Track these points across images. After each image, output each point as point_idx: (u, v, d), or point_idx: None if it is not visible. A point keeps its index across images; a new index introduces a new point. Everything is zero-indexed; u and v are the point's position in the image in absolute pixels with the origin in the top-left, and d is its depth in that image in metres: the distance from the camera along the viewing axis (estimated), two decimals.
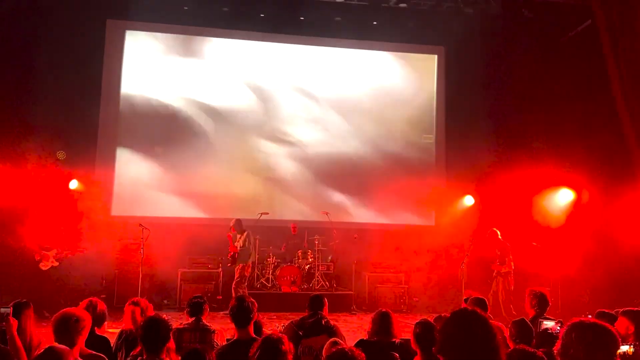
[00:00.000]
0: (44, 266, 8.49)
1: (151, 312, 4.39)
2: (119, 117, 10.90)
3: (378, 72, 11.89)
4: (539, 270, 9.68)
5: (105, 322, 4.16)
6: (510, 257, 8.80)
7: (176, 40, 11.28)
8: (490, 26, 10.77)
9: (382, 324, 4.00)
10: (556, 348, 2.44)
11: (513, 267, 8.81)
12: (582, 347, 2.30)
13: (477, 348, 2.10)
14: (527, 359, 2.53)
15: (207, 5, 10.71)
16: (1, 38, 9.33)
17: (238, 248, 9.17)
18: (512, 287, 8.69)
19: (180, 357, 3.46)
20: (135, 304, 4.37)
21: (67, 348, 2.78)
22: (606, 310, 4.46)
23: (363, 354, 2.81)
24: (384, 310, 4.17)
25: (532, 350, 2.62)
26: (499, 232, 8.97)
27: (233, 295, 9.03)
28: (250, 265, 9.40)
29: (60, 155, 9.56)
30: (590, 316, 4.42)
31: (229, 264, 9.35)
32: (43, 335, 3.79)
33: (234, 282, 9.12)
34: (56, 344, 2.82)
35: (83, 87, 10.31)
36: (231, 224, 9.30)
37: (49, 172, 9.27)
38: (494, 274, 8.90)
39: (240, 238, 9.25)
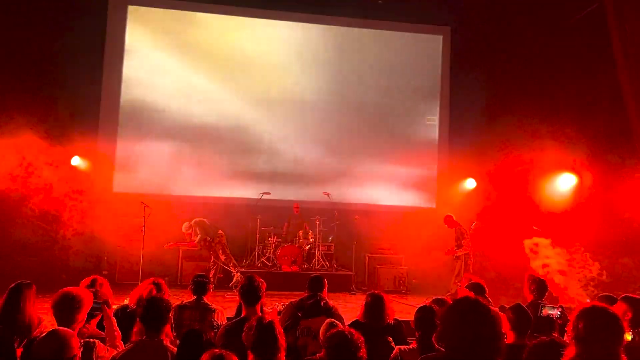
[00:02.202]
0: None
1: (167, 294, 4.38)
2: (121, 92, 10.85)
3: (382, 52, 11.78)
4: (539, 255, 9.70)
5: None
6: (468, 239, 8.83)
7: (179, 15, 11.16)
8: (496, 7, 10.61)
9: (375, 308, 4.01)
10: (568, 335, 2.50)
11: (470, 249, 8.85)
12: (595, 331, 2.35)
13: (477, 337, 2.09)
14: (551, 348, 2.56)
15: None
16: (3, 12, 9.22)
17: (196, 241, 9.08)
18: (471, 269, 8.70)
19: (175, 334, 3.51)
20: (156, 284, 4.35)
21: (70, 331, 2.81)
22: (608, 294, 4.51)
23: (362, 337, 2.83)
24: (376, 292, 4.16)
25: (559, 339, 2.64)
26: (453, 216, 9.04)
27: (232, 270, 9.11)
28: (222, 235, 9.28)
29: None
30: (588, 300, 4.45)
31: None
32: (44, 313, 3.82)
33: (221, 263, 9.19)
34: (60, 328, 2.85)
35: (85, 61, 10.21)
36: (185, 231, 9.16)
37: (50, 148, 9.25)
38: (454, 257, 8.95)
39: (194, 232, 9.15)
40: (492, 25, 10.73)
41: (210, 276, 8.84)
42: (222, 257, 9.22)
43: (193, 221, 9.19)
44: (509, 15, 10.76)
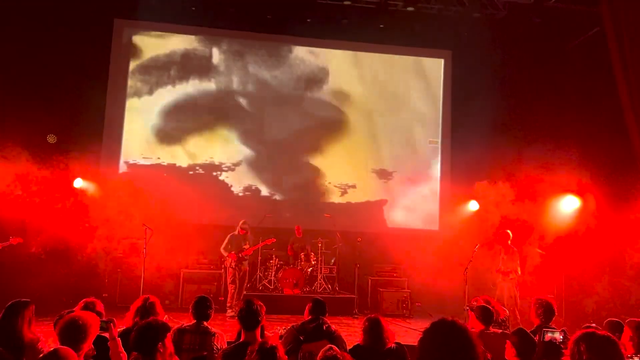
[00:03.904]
0: None
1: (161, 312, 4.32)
2: (124, 116, 10.93)
3: (384, 75, 11.87)
4: (544, 277, 9.62)
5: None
6: (518, 262, 8.57)
7: (183, 40, 11.30)
8: (497, 31, 10.73)
9: (373, 332, 3.96)
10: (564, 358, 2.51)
11: (520, 273, 8.57)
12: (594, 354, 2.35)
13: (453, 359, 2.08)
14: None
15: (214, 6, 10.72)
16: (7, 36, 9.34)
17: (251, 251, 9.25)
18: (517, 293, 8.53)
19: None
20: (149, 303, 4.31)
21: (72, 351, 2.78)
22: (615, 319, 4.44)
23: None
24: (373, 317, 4.11)
25: None
26: (510, 234, 8.62)
27: (229, 310, 8.94)
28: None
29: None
30: (594, 325, 4.39)
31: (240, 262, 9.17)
32: (45, 334, 3.77)
33: (245, 285, 9.19)
34: (61, 347, 2.82)
35: (89, 84, 10.31)
36: (245, 226, 9.27)
37: (54, 170, 9.28)
38: (499, 279, 8.66)
39: (248, 239, 9.27)
40: (493, 49, 10.82)
41: (230, 297, 8.97)
42: (244, 289, 9.23)
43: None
44: (510, 39, 10.88)
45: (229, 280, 9.14)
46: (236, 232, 9.26)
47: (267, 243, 9.74)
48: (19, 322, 3.50)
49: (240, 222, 9.32)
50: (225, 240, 9.21)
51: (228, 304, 9.00)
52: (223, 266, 9.50)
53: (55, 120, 9.70)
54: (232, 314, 8.63)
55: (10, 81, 9.45)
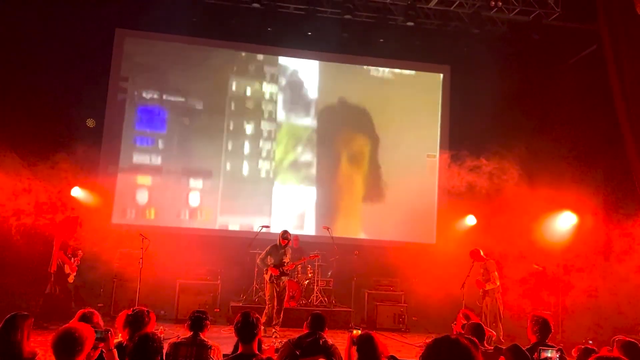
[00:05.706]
0: (71, 278, 8.23)
1: (152, 324, 4.30)
2: (123, 125, 10.93)
3: (383, 89, 11.92)
4: (540, 294, 9.61)
5: None
6: (496, 273, 8.63)
7: (183, 50, 11.34)
8: (496, 47, 10.81)
9: (366, 348, 3.92)
10: None
11: (499, 284, 8.64)
12: None
13: None
14: None
15: (214, 18, 10.78)
16: (7, 45, 9.36)
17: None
18: (501, 306, 8.53)
19: None
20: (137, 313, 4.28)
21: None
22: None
23: None
24: (364, 333, 4.08)
25: None
26: (481, 251, 8.79)
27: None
28: None
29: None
30: (591, 342, 4.38)
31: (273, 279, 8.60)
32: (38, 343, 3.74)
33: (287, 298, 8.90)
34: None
35: (89, 93, 10.33)
36: (288, 235, 8.71)
37: (51, 179, 9.26)
38: (481, 293, 8.72)
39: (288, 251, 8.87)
40: (492, 65, 10.89)
41: (265, 315, 8.32)
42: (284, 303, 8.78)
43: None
44: (509, 56, 10.96)
45: (266, 296, 8.67)
46: (277, 243, 8.70)
47: (312, 258, 9.57)
48: (18, 335, 3.46)
49: (282, 232, 8.74)
50: (264, 251, 8.75)
51: (262, 320, 7.54)
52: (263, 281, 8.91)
53: (55, 128, 9.69)
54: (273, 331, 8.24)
55: (9, 90, 9.45)
